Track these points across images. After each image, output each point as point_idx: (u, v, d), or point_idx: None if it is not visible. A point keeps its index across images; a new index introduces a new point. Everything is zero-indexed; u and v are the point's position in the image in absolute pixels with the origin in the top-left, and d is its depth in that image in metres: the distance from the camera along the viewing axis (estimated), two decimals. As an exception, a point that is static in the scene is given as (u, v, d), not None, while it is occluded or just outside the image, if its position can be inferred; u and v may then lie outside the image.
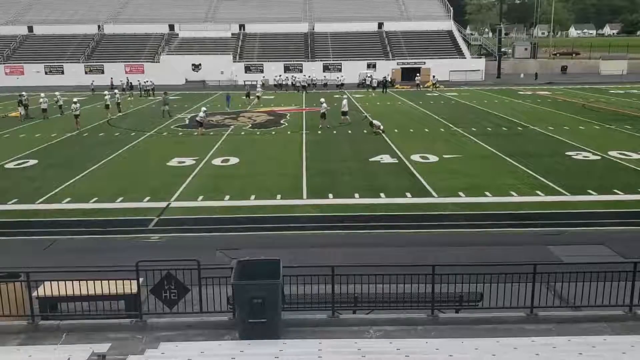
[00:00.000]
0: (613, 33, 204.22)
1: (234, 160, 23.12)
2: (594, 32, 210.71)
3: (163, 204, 16.89)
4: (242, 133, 30.38)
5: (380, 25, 73.36)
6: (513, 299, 8.70)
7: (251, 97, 44.76)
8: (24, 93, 39.00)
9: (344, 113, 32.30)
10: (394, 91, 53.98)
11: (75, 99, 32.50)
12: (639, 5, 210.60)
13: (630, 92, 48.65)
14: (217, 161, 22.99)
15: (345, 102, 33.03)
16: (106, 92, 39.17)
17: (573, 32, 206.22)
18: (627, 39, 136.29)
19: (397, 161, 22.48)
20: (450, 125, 31.54)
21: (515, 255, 11.96)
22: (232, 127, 32.33)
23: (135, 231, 14.67)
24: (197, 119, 30.09)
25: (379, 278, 8.77)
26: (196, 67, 64.87)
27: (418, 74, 58.79)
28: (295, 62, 65.74)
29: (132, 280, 8.93)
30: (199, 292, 8.68)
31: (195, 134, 29.52)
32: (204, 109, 31.72)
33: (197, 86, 60.53)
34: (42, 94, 38.24)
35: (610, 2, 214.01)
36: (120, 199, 17.51)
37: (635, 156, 22.43)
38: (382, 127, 28.89)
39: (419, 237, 14.05)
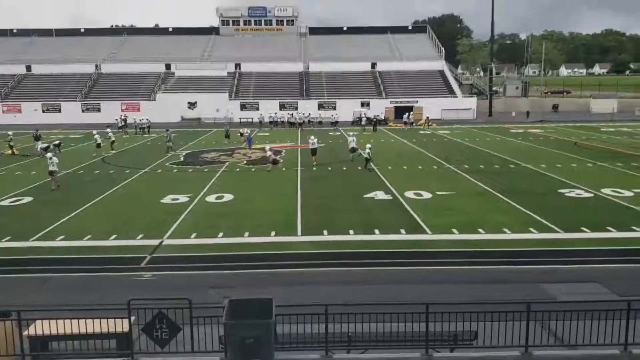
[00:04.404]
0: (603, 72, 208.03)
1: (228, 197, 23.15)
2: (584, 71, 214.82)
3: (156, 242, 16.83)
4: (237, 170, 30.49)
5: (373, 65, 74.64)
6: (507, 338, 8.65)
7: (229, 138, 43.98)
8: (9, 132, 39.09)
9: (353, 149, 32.59)
10: (387, 129, 54.53)
11: (49, 154, 26.81)
12: (627, 46, 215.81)
13: (621, 130, 49.31)
14: (211, 198, 23.01)
15: (352, 139, 33.38)
16: (94, 132, 39.24)
17: (564, 71, 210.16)
18: (617, 77, 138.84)
19: (391, 198, 22.56)
20: (443, 162, 31.79)
21: (509, 293, 11.95)
22: (227, 163, 32.46)
23: (127, 269, 14.58)
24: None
25: (373, 317, 8.72)
26: (192, 104, 65.49)
27: (410, 112, 59.33)
28: (290, 100, 66.51)
29: (123, 319, 8.86)
30: (190, 331, 8.60)
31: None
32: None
33: (192, 124, 61.06)
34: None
35: (600, 43, 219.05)
36: (114, 236, 17.44)
37: (627, 193, 22.58)
38: (367, 152, 29.38)
39: (413, 275, 14.01)
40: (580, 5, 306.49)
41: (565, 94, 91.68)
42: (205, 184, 25.87)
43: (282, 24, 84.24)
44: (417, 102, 65.68)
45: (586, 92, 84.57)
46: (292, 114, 59.50)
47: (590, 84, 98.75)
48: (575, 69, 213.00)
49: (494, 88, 75.41)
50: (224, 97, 66.34)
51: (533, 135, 46.72)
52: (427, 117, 57.98)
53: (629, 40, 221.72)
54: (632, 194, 22.53)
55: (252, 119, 62.18)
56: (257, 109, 64.49)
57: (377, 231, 17.62)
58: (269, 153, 30.79)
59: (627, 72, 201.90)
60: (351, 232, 17.61)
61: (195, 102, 65.47)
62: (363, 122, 54.77)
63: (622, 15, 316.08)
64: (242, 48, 79.36)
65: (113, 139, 39.53)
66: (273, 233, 17.58)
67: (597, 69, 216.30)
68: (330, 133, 50.58)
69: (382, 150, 36.89)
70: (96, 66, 73.33)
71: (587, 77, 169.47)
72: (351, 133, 39.33)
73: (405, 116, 57.71)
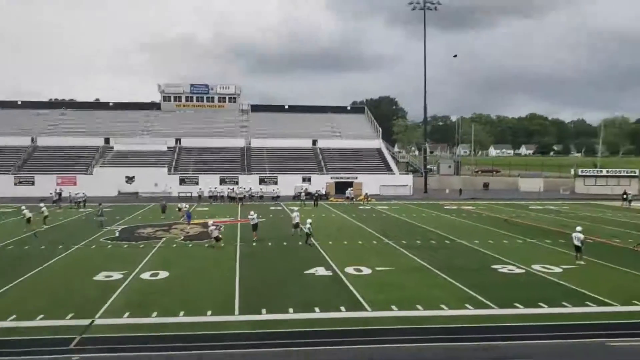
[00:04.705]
0: (529, 153, 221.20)
1: (163, 274, 22.50)
2: (511, 151, 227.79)
3: (86, 322, 16.02)
4: (174, 245, 29.83)
5: (314, 142, 76.54)
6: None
7: (165, 213, 42.82)
8: None
9: (297, 225, 32.46)
10: (328, 204, 55.27)
11: None
12: (550, 129, 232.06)
13: (548, 208, 51.86)
14: (145, 275, 22.29)
15: (295, 214, 33.35)
16: (23, 207, 37.67)
17: (492, 151, 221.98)
18: (542, 158, 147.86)
19: (331, 274, 22.56)
20: (382, 237, 32.30)
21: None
22: (164, 239, 31.74)
23: (55, 351, 13.73)
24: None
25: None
26: (130, 179, 64.45)
27: (350, 188, 60.74)
28: (231, 175, 66.63)
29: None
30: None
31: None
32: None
33: (129, 198, 59.84)
34: None
35: (525, 126, 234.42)
36: (41, 316, 16.48)
37: (557, 270, 23.45)
38: (308, 227, 29.39)
39: (353, 354, 13.89)
40: (506, 92, 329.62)
41: (494, 173, 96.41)
42: (141, 261, 25.12)
43: (224, 101, 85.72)
44: (356, 178, 67.33)
45: (514, 172, 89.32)
46: (233, 189, 59.46)
47: (518, 163, 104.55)
48: (503, 150, 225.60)
49: (428, 166, 78.48)
50: (163, 172, 65.79)
51: (466, 211, 48.41)
52: (366, 193, 59.29)
53: (552, 124, 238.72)
54: (560, 270, 23.43)
55: (191, 193, 61.65)
56: (197, 183, 64.14)
57: (317, 309, 17.47)
58: (211, 228, 30.24)
59: (551, 153, 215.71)
60: (290, 310, 17.38)
61: (134, 177, 64.52)
62: (302, 198, 55.41)
63: (545, 102, 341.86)
64: (183, 123, 79.80)
65: (46, 213, 37.98)
66: (209, 312, 17.11)
67: (523, 150, 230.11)
68: (272, 208, 50.67)
69: (323, 225, 37.18)
70: (32, 139, 71.63)
71: (514, 158, 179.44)
72: (295, 208, 39.59)
73: (347, 191, 58.86)
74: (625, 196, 56.14)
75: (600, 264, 24.73)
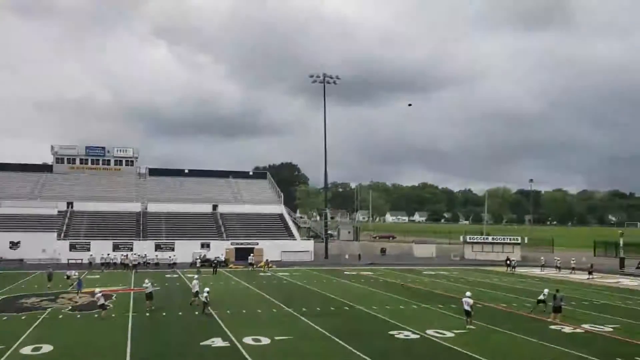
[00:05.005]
0: (422, 220, 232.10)
1: (47, 347, 20.84)
2: (406, 218, 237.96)
3: (-46, 406, 14.46)
4: (60, 316, 27.86)
5: (214, 207, 75.62)
6: None
7: (52, 281, 39.16)
8: None
9: (197, 293, 31.14)
10: (228, 271, 54.23)
11: None
12: (441, 197, 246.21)
13: (440, 274, 54.17)
14: (26, 350, 20.53)
15: (195, 282, 32.13)
16: None
17: (389, 217, 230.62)
18: (434, 226, 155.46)
19: (228, 344, 21.98)
20: (282, 305, 32.09)
21: None
22: (49, 309, 29.56)
23: None
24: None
25: None
26: (14, 244, 59.87)
27: (252, 254, 60.15)
28: (125, 241, 63.86)
29: None
30: None
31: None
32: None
33: (13, 265, 55.37)
34: None
35: (418, 194, 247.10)
36: None
37: (449, 334, 24.27)
38: (205, 295, 28.55)
39: None
40: (400, 161, 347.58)
41: (391, 238, 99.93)
42: (22, 334, 23.14)
43: (121, 164, 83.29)
44: (257, 244, 66.87)
45: (409, 238, 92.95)
46: (127, 255, 56.86)
47: (412, 230, 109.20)
48: (399, 216, 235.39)
49: (329, 232, 79.83)
50: (52, 237, 61.81)
51: (365, 277, 49.40)
52: (267, 260, 58.86)
53: (442, 193, 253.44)
54: (453, 334, 24.24)
55: (82, 260, 58.19)
56: (89, 249, 60.78)
57: (214, 381, 16.93)
58: (98, 295, 28.48)
59: (442, 220, 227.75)
60: (186, 383, 16.71)
61: (19, 242, 60.09)
62: (197, 265, 53.35)
63: (435, 172, 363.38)
64: (76, 186, 76.40)
65: None
66: (99, 389, 16.05)
67: (417, 217, 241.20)
68: (167, 275, 48.90)
69: (222, 293, 36.33)
70: None
71: (409, 224, 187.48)
72: (196, 276, 38.46)
73: (250, 257, 58.05)
74: (508, 262, 59.90)
75: (489, 328, 25.97)
